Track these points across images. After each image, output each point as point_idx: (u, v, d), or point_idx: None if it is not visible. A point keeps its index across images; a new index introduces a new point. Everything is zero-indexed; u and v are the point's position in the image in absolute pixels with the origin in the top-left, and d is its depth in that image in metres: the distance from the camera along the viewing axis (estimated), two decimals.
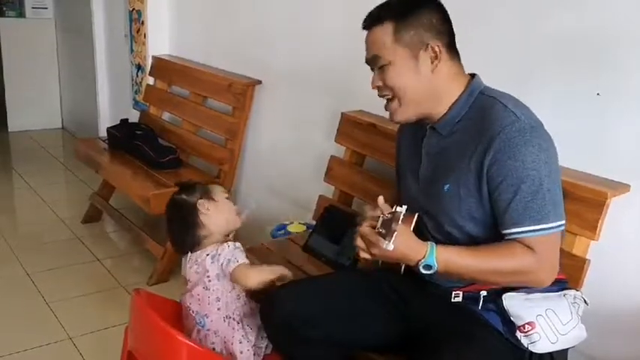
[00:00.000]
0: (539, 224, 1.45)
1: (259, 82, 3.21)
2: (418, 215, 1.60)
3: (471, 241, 1.55)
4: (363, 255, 1.53)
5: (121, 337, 2.04)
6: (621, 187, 1.78)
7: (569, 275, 1.68)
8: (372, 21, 1.58)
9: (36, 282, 3.08)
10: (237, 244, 1.91)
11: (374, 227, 1.47)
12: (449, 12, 1.59)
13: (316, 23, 2.85)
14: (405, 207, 1.42)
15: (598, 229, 1.73)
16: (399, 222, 1.39)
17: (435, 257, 1.46)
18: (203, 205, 1.92)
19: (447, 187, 1.56)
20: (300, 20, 2.95)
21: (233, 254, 1.86)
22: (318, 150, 2.87)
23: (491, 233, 1.53)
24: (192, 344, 1.78)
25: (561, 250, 1.75)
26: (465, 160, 1.52)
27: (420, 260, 1.47)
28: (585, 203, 1.75)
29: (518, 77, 2.01)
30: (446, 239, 1.58)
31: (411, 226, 1.54)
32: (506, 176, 1.45)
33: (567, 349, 1.58)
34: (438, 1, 1.59)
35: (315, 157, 2.88)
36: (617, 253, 1.82)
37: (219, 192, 1.98)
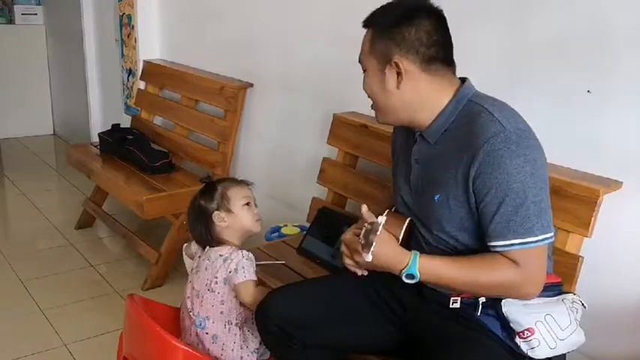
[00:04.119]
0: (522, 238, 1.42)
1: (251, 85, 3.21)
2: (410, 220, 1.59)
3: (465, 249, 1.53)
4: (347, 262, 1.53)
5: (116, 343, 2.04)
6: (613, 185, 1.78)
7: (563, 273, 1.68)
8: (364, 23, 1.58)
9: (30, 289, 3.07)
10: (250, 255, 1.91)
11: (359, 235, 1.47)
12: None
13: (306, 26, 2.85)
14: (385, 218, 1.41)
15: (591, 226, 1.74)
16: (377, 234, 1.39)
17: (417, 267, 1.46)
18: (219, 217, 1.94)
19: (437, 197, 1.53)
20: (290, 23, 2.95)
21: (243, 265, 1.87)
22: (310, 152, 2.87)
23: (484, 243, 1.49)
24: (188, 349, 1.78)
25: (555, 248, 1.76)
26: (452, 172, 1.50)
27: (403, 270, 1.47)
28: (578, 200, 1.75)
29: (510, 77, 2.02)
30: (438, 246, 1.57)
31: (401, 232, 1.54)
32: (490, 189, 1.43)
33: (565, 353, 1.57)
34: (437, 13, 1.52)
35: (308, 159, 2.87)
36: (610, 249, 1.83)
37: (238, 200, 1.96)
